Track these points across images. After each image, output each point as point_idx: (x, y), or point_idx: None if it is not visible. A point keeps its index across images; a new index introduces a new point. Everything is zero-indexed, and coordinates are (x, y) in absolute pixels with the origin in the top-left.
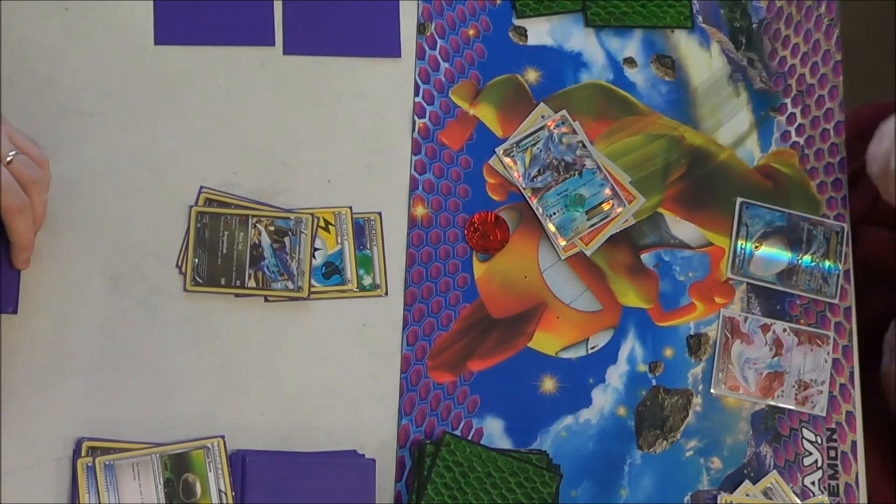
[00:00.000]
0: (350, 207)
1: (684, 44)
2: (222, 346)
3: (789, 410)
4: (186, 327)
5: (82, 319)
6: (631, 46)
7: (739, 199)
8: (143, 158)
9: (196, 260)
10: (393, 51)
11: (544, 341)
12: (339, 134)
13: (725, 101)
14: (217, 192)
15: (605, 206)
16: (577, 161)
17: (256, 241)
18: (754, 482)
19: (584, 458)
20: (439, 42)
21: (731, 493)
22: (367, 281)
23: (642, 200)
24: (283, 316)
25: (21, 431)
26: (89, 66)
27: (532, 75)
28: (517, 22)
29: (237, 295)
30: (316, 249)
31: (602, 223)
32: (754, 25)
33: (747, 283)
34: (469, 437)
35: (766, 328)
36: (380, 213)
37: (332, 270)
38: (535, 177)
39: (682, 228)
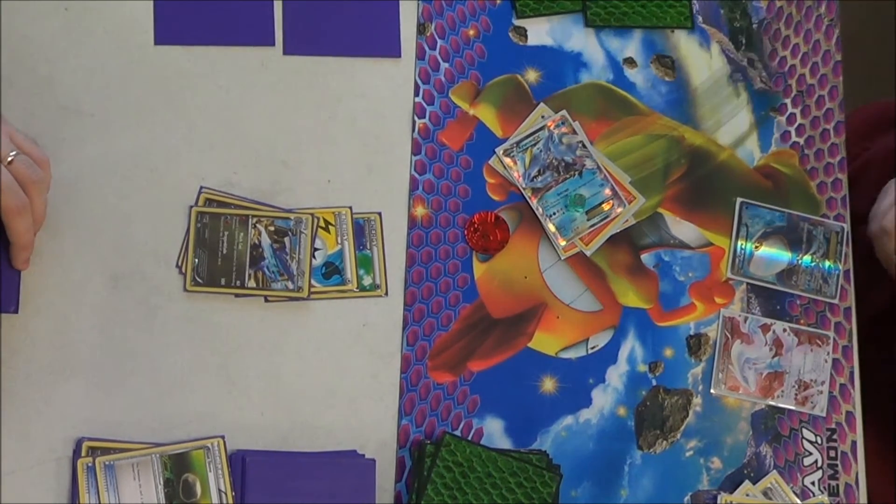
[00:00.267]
0: (350, 207)
1: (684, 44)
2: (222, 346)
3: (789, 410)
4: (186, 327)
5: (82, 319)
6: (631, 46)
7: (739, 200)
8: (143, 158)
9: (196, 260)
10: (393, 51)
11: (544, 341)
12: (339, 134)
13: (725, 101)
14: (217, 192)
15: (605, 207)
16: (577, 161)
17: (256, 242)
18: (754, 482)
19: (584, 458)
20: (439, 42)
21: (731, 493)
22: (367, 281)
23: (642, 200)
24: (283, 316)
25: (21, 431)
26: (89, 66)
27: (532, 75)
28: (517, 22)
29: (237, 295)
30: (316, 249)
31: (602, 223)
32: (754, 25)
33: (747, 284)
34: (469, 438)
35: (766, 328)
36: (380, 213)
37: (332, 270)
38: (535, 177)
39: (682, 228)
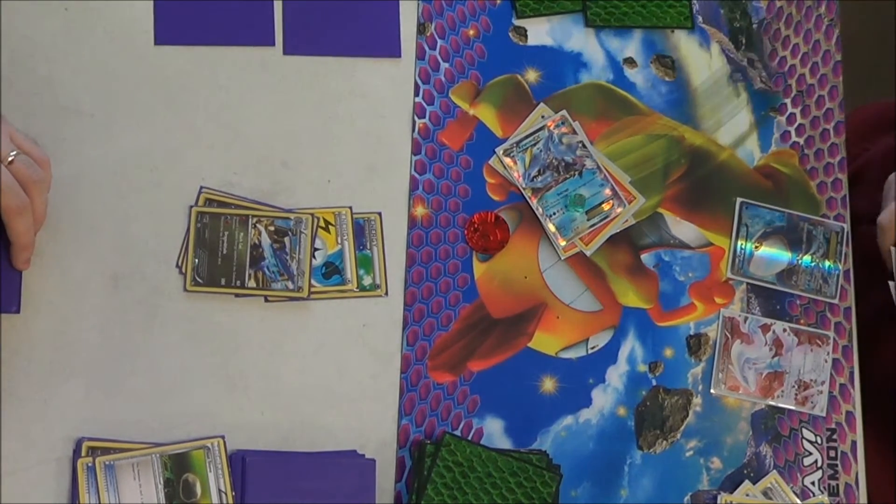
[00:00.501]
0: (350, 207)
1: (684, 44)
2: (222, 346)
3: (789, 410)
4: (186, 327)
5: (82, 319)
6: (631, 46)
7: (739, 200)
8: (143, 158)
9: (196, 260)
10: (393, 51)
11: (544, 341)
12: (339, 134)
13: (725, 101)
14: (217, 192)
15: (605, 207)
16: (577, 161)
17: (256, 242)
18: (754, 482)
19: (584, 458)
20: (439, 42)
21: (731, 493)
22: (367, 281)
23: (642, 200)
24: (283, 316)
25: (21, 431)
26: (89, 66)
27: (532, 75)
28: (517, 22)
29: (237, 295)
30: (316, 249)
31: (602, 223)
32: (754, 25)
33: (747, 284)
34: (469, 437)
35: (766, 328)
36: (380, 213)
37: (332, 270)
38: (535, 177)
39: (682, 228)
